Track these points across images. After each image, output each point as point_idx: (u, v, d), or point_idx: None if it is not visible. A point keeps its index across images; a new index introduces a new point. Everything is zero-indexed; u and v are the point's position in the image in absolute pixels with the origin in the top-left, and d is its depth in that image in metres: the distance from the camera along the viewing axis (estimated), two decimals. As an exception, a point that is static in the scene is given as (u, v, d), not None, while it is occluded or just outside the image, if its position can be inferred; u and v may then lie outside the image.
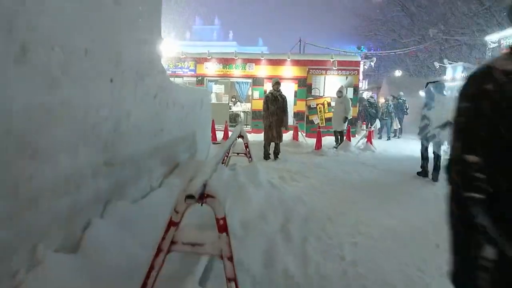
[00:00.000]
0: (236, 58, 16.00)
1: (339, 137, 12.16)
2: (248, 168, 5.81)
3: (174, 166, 4.85)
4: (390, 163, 9.33)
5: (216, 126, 13.52)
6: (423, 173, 7.53)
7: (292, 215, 4.44)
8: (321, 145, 10.69)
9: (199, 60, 16.34)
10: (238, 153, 6.10)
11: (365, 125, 16.63)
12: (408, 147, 12.86)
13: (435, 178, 7.10)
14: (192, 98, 5.63)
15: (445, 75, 19.58)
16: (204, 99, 6.09)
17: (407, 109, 16.48)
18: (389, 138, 15.50)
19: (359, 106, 17.20)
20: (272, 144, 9.21)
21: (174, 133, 4.77)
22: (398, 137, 16.19)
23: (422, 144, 7.55)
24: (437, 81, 7.53)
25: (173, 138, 4.78)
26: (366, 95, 32.79)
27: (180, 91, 5.00)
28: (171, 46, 16.96)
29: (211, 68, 16.24)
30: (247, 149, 5.98)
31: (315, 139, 11.04)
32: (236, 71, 16.19)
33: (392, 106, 15.88)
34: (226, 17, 73.68)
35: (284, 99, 9.14)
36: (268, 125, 9.02)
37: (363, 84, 33.17)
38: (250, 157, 5.99)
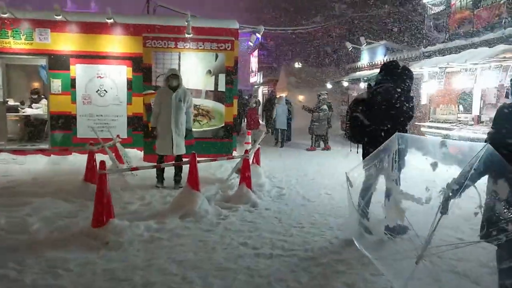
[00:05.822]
0: (11, 17, 8.46)
1: (176, 170, 6.10)
2: None
3: None
4: None
5: None
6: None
7: None
8: (112, 214, 4.00)
9: None
10: None
11: (250, 135, 10.42)
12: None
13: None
14: None
15: (360, 60, 14.38)
16: None
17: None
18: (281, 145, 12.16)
19: (241, 104, 11.07)
20: None
21: None
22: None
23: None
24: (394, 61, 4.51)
25: None
26: (262, 90, 27.23)
27: None
28: None
29: (-38, 36, 8.54)
30: None
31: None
32: (16, 43, 8.70)
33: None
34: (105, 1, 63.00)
35: None
36: None
37: (258, 78, 27.47)
38: None
